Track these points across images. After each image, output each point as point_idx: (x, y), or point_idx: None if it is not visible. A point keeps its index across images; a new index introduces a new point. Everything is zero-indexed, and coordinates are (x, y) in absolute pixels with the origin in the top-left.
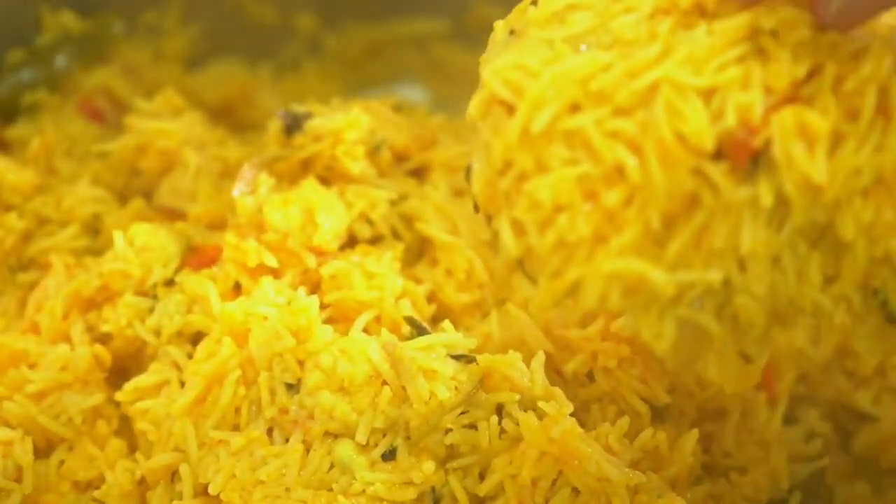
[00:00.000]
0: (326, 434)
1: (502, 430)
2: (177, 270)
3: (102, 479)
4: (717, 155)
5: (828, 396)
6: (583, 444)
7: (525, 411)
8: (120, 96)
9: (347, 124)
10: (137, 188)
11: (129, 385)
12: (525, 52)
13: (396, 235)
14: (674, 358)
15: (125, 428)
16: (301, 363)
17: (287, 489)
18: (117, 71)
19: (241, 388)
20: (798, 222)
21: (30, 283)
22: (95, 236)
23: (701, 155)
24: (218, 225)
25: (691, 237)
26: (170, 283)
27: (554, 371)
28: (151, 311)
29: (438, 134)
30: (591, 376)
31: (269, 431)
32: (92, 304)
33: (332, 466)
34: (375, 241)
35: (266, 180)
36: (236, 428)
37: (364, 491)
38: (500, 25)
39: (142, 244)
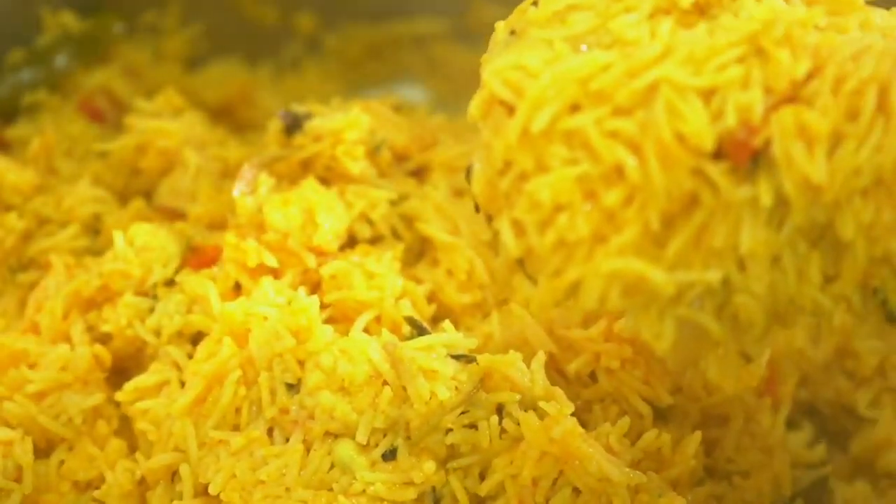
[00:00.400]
0: (327, 434)
1: (503, 430)
2: (177, 270)
3: (102, 479)
4: (717, 155)
5: (828, 397)
6: (584, 444)
7: (525, 411)
8: (120, 96)
9: (347, 124)
10: (137, 188)
11: (129, 385)
12: (525, 52)
13: (396, 235)
14: (674, 358)
15: (125, 428)
16: (301, 363)
17: (287, 489)
18: (117, 71)
19: (241, 388)
20: (798, 222)
21: (30, 283)
22: (95, 236)
23: (701, 155)
24: (218, 225)
25: (691, 237)
26: (170, 283)
27: (556, 371)
28: (151, 311)
29: (438, 134)
30: (593, 377)
31: (270, 431)
32: (92, 304)
33: (332, 466)
34: (375, 241)
35: (266, 180)
36: (236, 428)
37: (364, 491)
38: (500, 26)
39: (142, 244)
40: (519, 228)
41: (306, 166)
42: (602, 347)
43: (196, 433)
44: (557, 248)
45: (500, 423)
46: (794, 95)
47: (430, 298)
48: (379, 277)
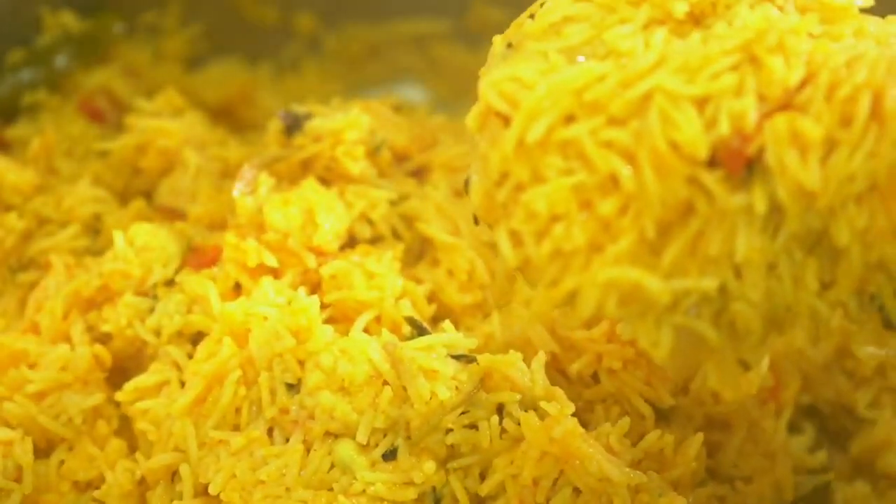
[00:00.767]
0: (327, 434)
1: (503, 430)
2: (177, 270)
3: (102, 479)
4: (712, 163)
5: (828, 397)
6: (584, 444)
7: (526, 411)
8: (120, 96)
9: (347, 124)
10: (138, 188)
11: (129, 385)
12: (521, 64)
13: (396, 236)
14: (672, 365)
15: (125, 428)
16: (301, 363)
17: (287, 489)
18: (117, 71)
19: (241, 388)
20: (793, 229)
21: (30, 283)
22: (95, 236)
23: (695, 163)
24: (218, 225)
25: (686, 245)
26: (170, 283)
27: (558, 371)
28: (151, 311)
29: (438, 134)
30: (595, 377)
31: (270, 431)
32: (92, 304)
33: (332, 466)
34: (375, 241)
35: (266, 180)
36: (236, 428)
37: (364, 491)
38: (498, 39)
39: (142, 244)
40: (516, 239)
41: (306, 166)
42: (604, 348)
43: (196, 433)
44: (554, 258)
45: (500, 423)
46: (787, 103)
47: (431, 298)
48: (379, 277)
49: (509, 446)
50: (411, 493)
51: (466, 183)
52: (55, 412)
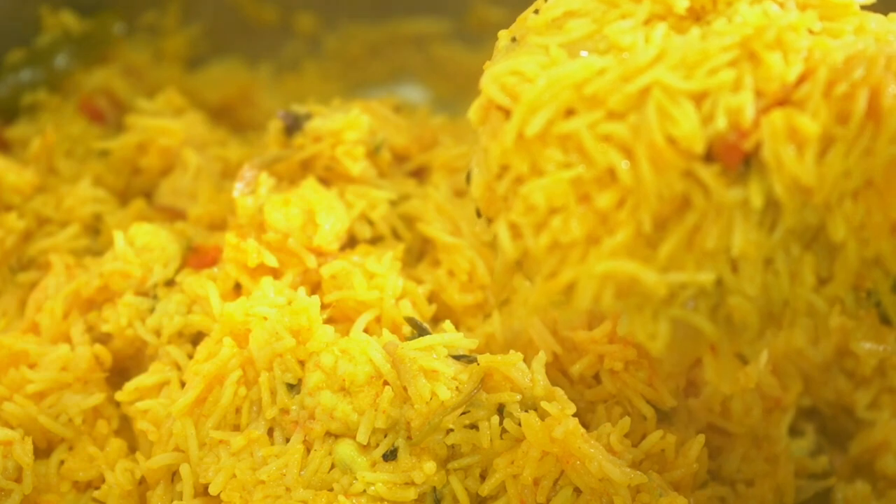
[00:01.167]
0: (327, 434)
1: (503, 430)
2: (177, 271)
3: (102, 479)
4: (709, 157)
5: (828, 397)
6: (585, 445)
7: (526, 411)
8: (120, 96)
9: (347, 125)
10: (138, 188)
11: (130, 385)
12: (522, 57)
13: (397, 236)
14: (669, 358)
15: (125, 428)
16: (302, 363)
17: (287, 489)
18: (117, 71)
19: (241, 388)
20: (789, 224)
21: (30, 283)
22: (96, 236)
23: (692, 157)
24: (218, 225)
25: (683, 238)
26: (170, 283)
27: (560, 372)
28: (152, 311)
29: (439, 134)
30: (597, 378)
31: (270, 431)
32: (92, 304)
33: (332, 467)
34: (376, 241)
35: (266, 180)
36: (237, 428)
37: (365, 491)
38: (503, 34)
39: (142, 244)
40: (515, 231)
41: (306, 166)
42: (606, 349)
43: (196, 433)
44: (552, 250)
45: (500, 423)
46: (785, 99)
47: (431, 299)
48: (379, 277)
49: (510, 446)
50: (412, 494)
51: (468, 177)
52: (55, 412)
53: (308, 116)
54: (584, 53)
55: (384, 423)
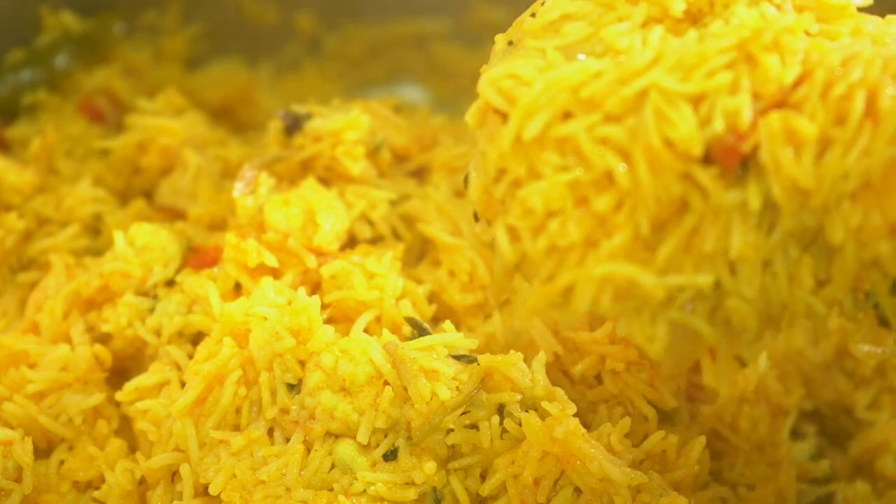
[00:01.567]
0: (327, 434)
1: (504, 430)
2: (177, 271)
3: (102, 479)
4: (707, 160)
5: (828, 398)
6: (585, 444)
7: (526, 411)
8: (120, 96)
9: (347, 125)
10: (138, 188)
11: (130, 385)
12: (519, 61)
13: (397, 236)
14: (668, 360)
15: (125, 428)
16: (302, 363)
17: (287, 489)
18: (117, 71)
19: (241, 388)
20: (787, 226)
21: (30, 283)
22: (96, 236)
23: (689, 160)
24: (218, 225)
25: (681, 241)
26: (170, 283)
27: (561, 373)
28: (152, 311)
29: (439, 134)
30: (598, 379)
31: (270, 432)
32: (92, 304)
33: (332, 467)
34: (376, 241)
35: (266, 180)
36: (237, 428)
37: (365, 491)
38: (500, 38)
39: (142, 244)
40: (514, 234)
41: (306, 166)
42: (607, 350)
43: (196, 433)
44: (550, 254)
45: (500, 423)
46: (782, 101)
47: (432, 299)
48: (379, 277)
49: (510, 446)
50: (412, 494)
51: (466, 180)
52: (55, 412)
53: (308, 116)
54: (581, 56)
55: (384, 423)
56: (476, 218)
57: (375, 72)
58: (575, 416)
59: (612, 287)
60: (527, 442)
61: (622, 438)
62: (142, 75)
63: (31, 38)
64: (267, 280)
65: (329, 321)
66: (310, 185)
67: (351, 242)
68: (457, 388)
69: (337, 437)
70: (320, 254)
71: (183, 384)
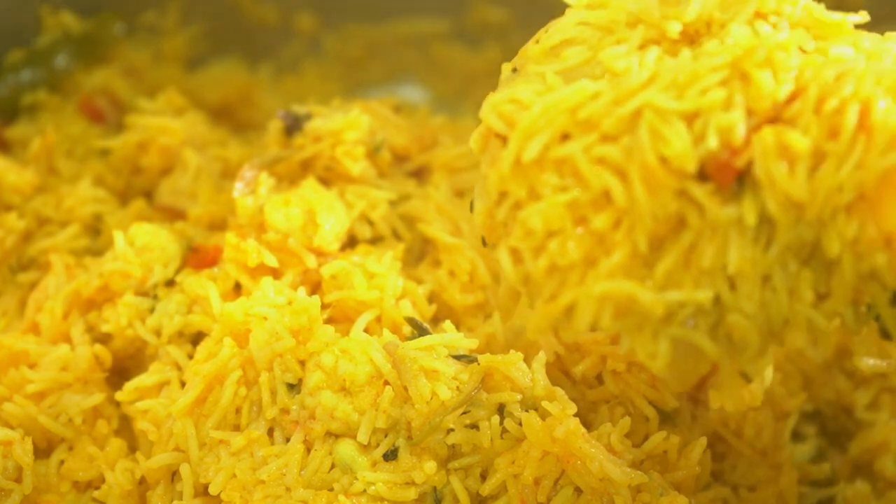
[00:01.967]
0: (328, 434)
1: (504, 430)
2: (177, 270)
3: (102, 479)
4: (702, 176)
5: (828, 398)
6: (586, 444)
7: (526, 411)
8: (120, 96)
9: (347, 125)
10: (138, 188)
11: (130, 385)
12: (520, 86)
13: (397, 236)
14: (672, 376)
15: (125, 428)
16: (302, 363)
17: (288, 489)
18: (117, 71)
19: (241, 388)
20: (785, 240)
21: (30, 283)
22: (96, 236)
23: (684, 177)
24: (218, 225)
25: (679, 257)
26: (170, 283)
27: (562, 373)
28: (152, 311)
29: (439, 134)
30: (599, 379)
31: (270, 431)
32: (92, 304)
33: (332, 466)
34: (376, 241)
35: (266, 181)
36: (237, 428)
37: (365, 491)
38: (506, 66)
39: (142, 244)
40: (516, 256)
41: (306, 167)
42: (608, 350)
43: (196, 433)
44: (551, 273)
45: (501, 423)
46: (776, 116)
47: (432, 299)
48: (379, 277)
49: (510, 446)
50: (412, 494)
51: (472, 205)
52: (55, 412)
53: (308, 116)
54: (582, 81)
55: (384, 422)
56: (483, 243)
57: (375, 72)
58: (575, 416)
59: (612, 304)
60: (527, 442)
61: (622, 438)
62: (142, 75)
63: (31, 38)
64: (267, 280)
65: (329, 321)
66: (310, 186)
67: (351, 242)
68: (457, 387)
69: (337, 436)
70: (320, 254)
71: (183, 384)
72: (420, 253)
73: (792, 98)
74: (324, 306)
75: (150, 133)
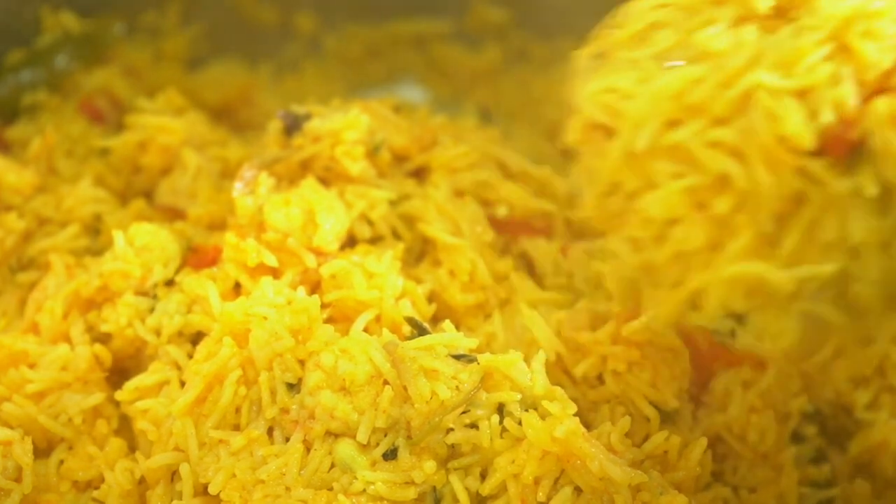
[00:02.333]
0: (327, 434)
1: (503, 430)
2: (177, 270)
3: (102, 479)
4: (818, 152)
5: (828, 397)
6: (586, 444)
7: (526, 411)
8: (120, 97)
9: (347, 125)
10: (138, 188)
11: (129, 385)
12: (615, 74)
13: (396, 236)
14: (796, 352)
15: (125, 428)
16: (302, 363)
17: (287, 489)
18: (117, 71)
19: (241, 387)
20: None
21: (30, 283)
22: (95, 236)
23: (802, 154)
24: (218, 225)
25: (803, 233)
26: (170, 283)
27: (563, 373)
28: (151, 311)
29: (439, 134)
30: (600, 379)
31: (270, 431)
32: (92, 304)
33: (332, 466)
34: (375, 241)
35: (266, 180)
36: (237, 428)
37: (365, 490)
38: (580, 54)
39: (142, 244)
40: (636, 245)
41: (306, 166)
42: (609, 350)
43: (196, 433)
44: (676, 260)
45: (500, 422)
46: (885, 85)
47: (432, 298)
48: (379, 277)
49: (510, 446)
50: (412, 493)
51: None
52: (55, 412)
53: (308, 116)
54: (676, 63)
55: (384, 422)
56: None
57: (375, 72)
58: (576, 415)
59: (742, 286)
60: (527, 441)
61: (622, 438)
62: (142, 75)
63: (31, 38)
64: (267, 280)
65: (329, 321)
66: (310, 185)
67: (351, 242)
68: (456, 387)
69: (337, 436)
70: (320, 253)
71: (183, 384)
72: (420, 253)
73: None
74: (323, 306)
75: (150, 133)
